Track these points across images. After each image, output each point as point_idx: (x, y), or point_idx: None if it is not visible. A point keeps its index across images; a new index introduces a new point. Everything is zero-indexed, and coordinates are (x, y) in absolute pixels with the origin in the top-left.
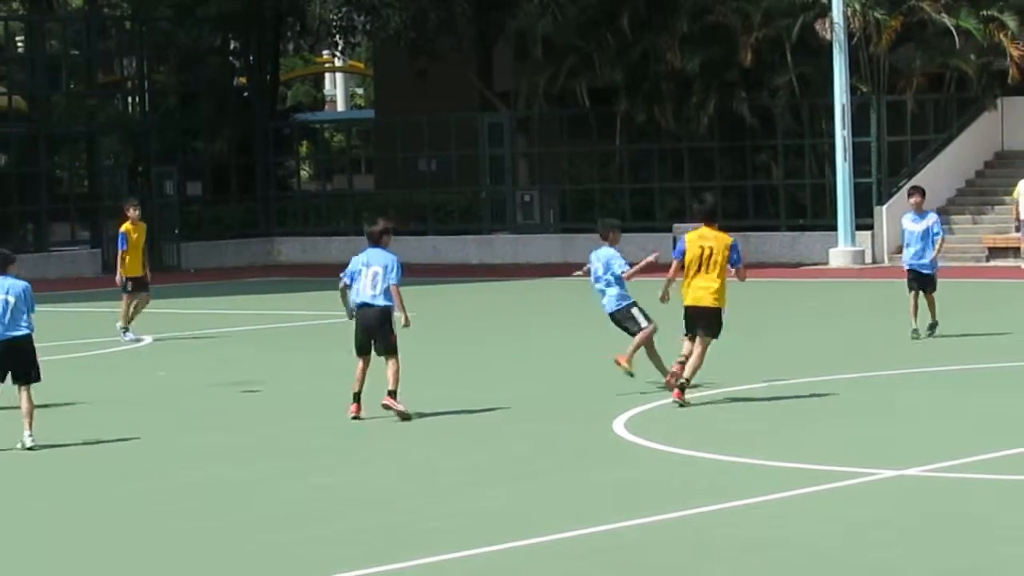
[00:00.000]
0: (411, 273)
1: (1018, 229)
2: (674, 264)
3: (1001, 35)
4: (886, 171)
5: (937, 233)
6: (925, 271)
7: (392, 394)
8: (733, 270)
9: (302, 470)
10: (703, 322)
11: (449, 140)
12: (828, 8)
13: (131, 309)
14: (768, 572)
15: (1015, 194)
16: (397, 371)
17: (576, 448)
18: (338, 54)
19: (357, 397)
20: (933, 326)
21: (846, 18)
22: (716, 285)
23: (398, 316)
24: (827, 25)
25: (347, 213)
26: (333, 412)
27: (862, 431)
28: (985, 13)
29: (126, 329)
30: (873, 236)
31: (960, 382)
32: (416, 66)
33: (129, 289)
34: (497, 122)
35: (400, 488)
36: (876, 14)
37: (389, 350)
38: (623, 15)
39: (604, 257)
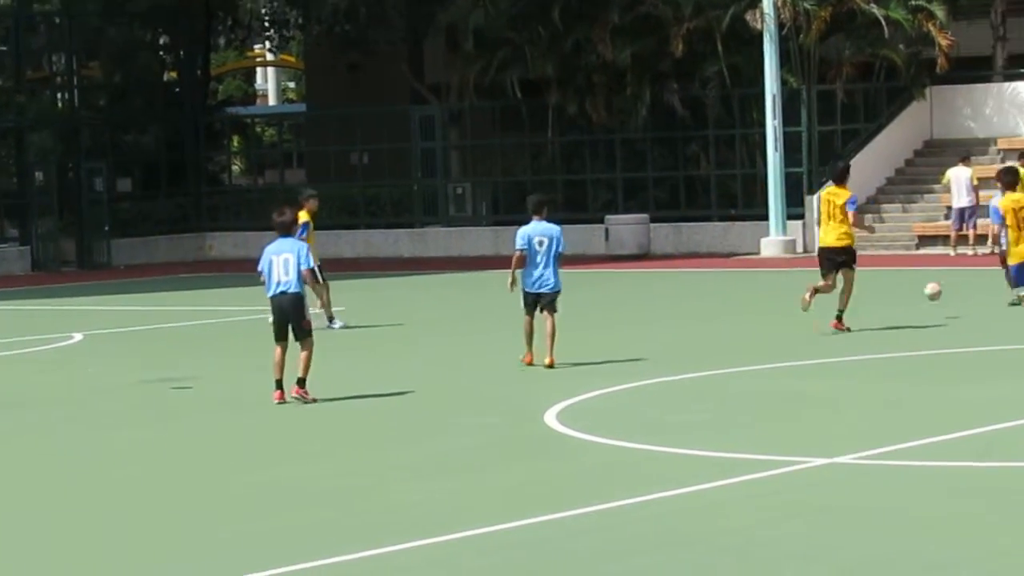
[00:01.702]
0: (343, 267)
1: (948, 217)
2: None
3: (930, 24)
4: (817, 160)
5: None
6: None
7: (301, 382)
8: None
9: (233, 466)
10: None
11: (381, 133)
12: None
13: None
14: (701, 560)
15: (944, 181)
16: (309, 357)
17: (508, 440)
18: (269, 48)
19: (279, 384)
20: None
21: (776, 8)
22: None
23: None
24: (757, 15)
25: (278, 207)
26: (264, 407)
27: (794, 419)
28: (914, 3)
29: None
30: (804, 225)
31: (892, 370)
32: (347, 60)
33: None
34: (429, 115)
35: (332, 483)
36: (806, 4)
37: (304, 335)
38: (554, 7)
39: (553, 233)
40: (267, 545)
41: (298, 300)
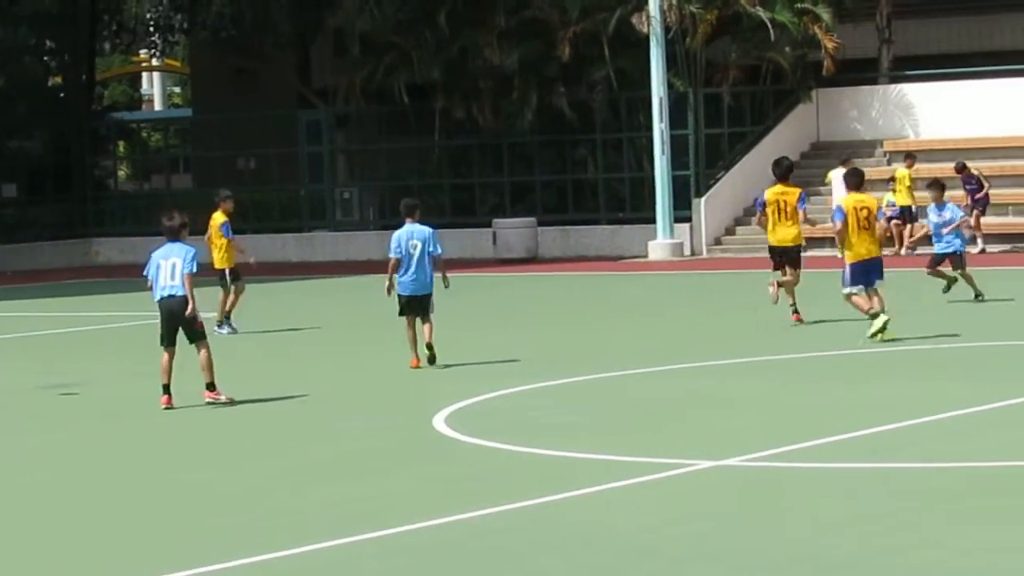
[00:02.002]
0: None
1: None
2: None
3: (816, 27)
4: (704, 163)
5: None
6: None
7: (210, 386)
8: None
9: (122, 472)
10: None
11: (268, 138)
12: (645, 2)
13: None
14: (590, 564)
15: (827, 182)
16: (209, 358)
17: (398, 445)
18: (154, 53)
19: (167, 389)
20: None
21: (662, 12)
22: None
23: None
24: (644, 19)
25: (168, 211)
26: (153, 413)
27: (682, 422)
28: (800, 6)
29: None
30: (692, 228)
31: (781, 372)
32: (233, 64)
33: None
34: (315, 119)
35: (224, 488)
36: (692, 8)
37: (197, 336)
38: (441, 12)
39: (426, 235)
40: (164, 550)
41: (186, 303)
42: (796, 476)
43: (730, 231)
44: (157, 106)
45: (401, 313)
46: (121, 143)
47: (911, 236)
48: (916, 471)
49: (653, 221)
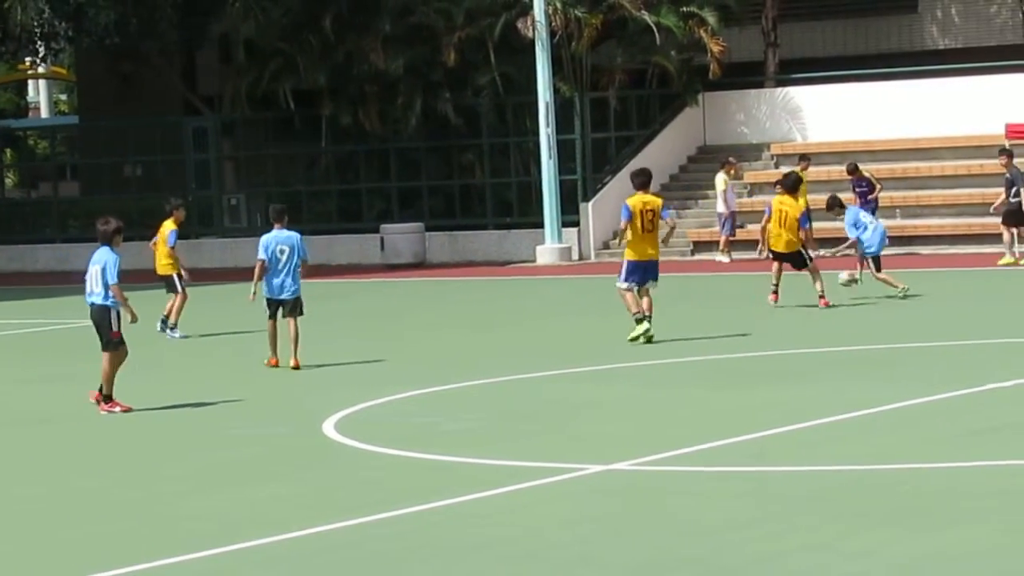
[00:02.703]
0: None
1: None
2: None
3: (701, 31)
4: (591, 167)
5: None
6: None
7: (107, 398)
8: None
9: (13, 478)
10: None
11: (154, 145)
12: (529, 7)
13: None
14: (478, 570)
15: (720, 187)
16: (110, 369)
17: (287, 451)
18: (39, 60)
19: (110, 397)
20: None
21: (548, 16)
22: None
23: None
24: (529, 24)
25: (53, 220)
26: (46, 420)
27: (571, 427)
28: (685, 10)
29: None
30: (579, 233)
31: (670, 376)
32: (119, 72)
33: None
34: (201, 126)
35: (104, 496)
36: (577, 12)
37: (110, 346)
38: (326, 17)
39: (294, 241)
40: (45, 559)
41: (104, 312)
42: (682, 480)
43: (618, 235)
44: (43, 113)
45: (271, 316)
46: (8, 151)
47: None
48: (799, 474)
49: (541, 226)
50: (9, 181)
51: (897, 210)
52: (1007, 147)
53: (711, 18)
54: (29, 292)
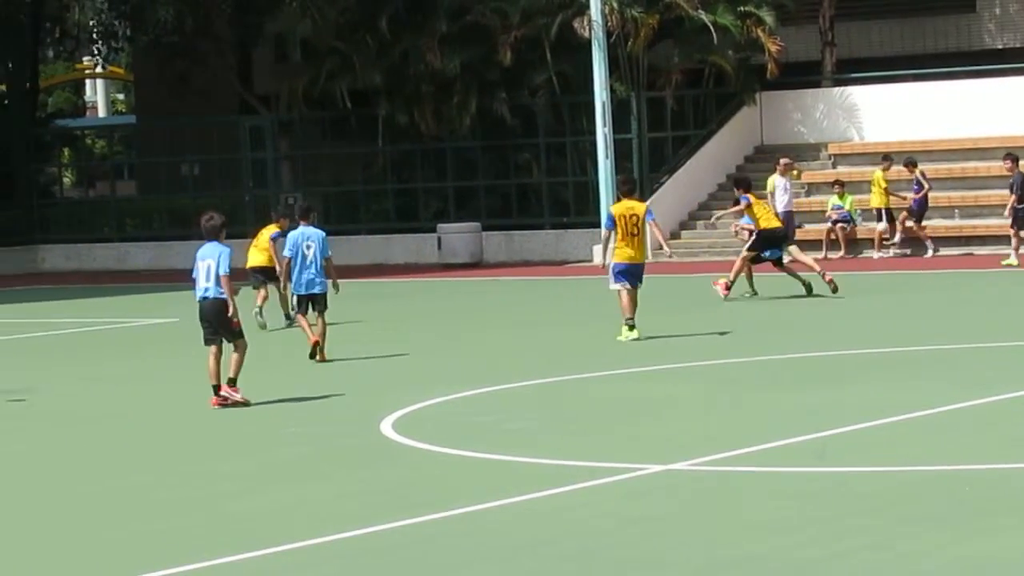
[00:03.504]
0: (176, 278)
1: None
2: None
3: (758, 30)
4: (647, 167)
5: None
6: None
7: (231, 382)
8: None
9: (69, 478)
10: None
11: (211, 144)
12: (586, 6)
13: None
14: (537, 569)
15: (769, 188)
16: (241, 359)
17: (346, 450)
18: (98, 60)
19: (216, 390)
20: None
21: (604, 16)
22: None
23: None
24: (585, 23)
25: (110, 219)
26: (101, 418)
27: (630, 426)
28: (742, 9)
29: None
30: None
31: (729, 375)
32: (176, 70)
33: None
34: (258, 125)
35: (166, 495)
36: (633, 12)
37: (234, 336)
38: (382, 16)
39: (319, 237)
40: (97, 557)
41: (221, 305)
42: (741, 480)
43: (674, 235)
44: (101, 113)
45: (303, 311)
46: (65, 150)
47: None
48: (860, 475)
49: (597, 225)
50: (67, 180)
51: (955, 210)
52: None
53: (768, 17)
54: (86, 291)
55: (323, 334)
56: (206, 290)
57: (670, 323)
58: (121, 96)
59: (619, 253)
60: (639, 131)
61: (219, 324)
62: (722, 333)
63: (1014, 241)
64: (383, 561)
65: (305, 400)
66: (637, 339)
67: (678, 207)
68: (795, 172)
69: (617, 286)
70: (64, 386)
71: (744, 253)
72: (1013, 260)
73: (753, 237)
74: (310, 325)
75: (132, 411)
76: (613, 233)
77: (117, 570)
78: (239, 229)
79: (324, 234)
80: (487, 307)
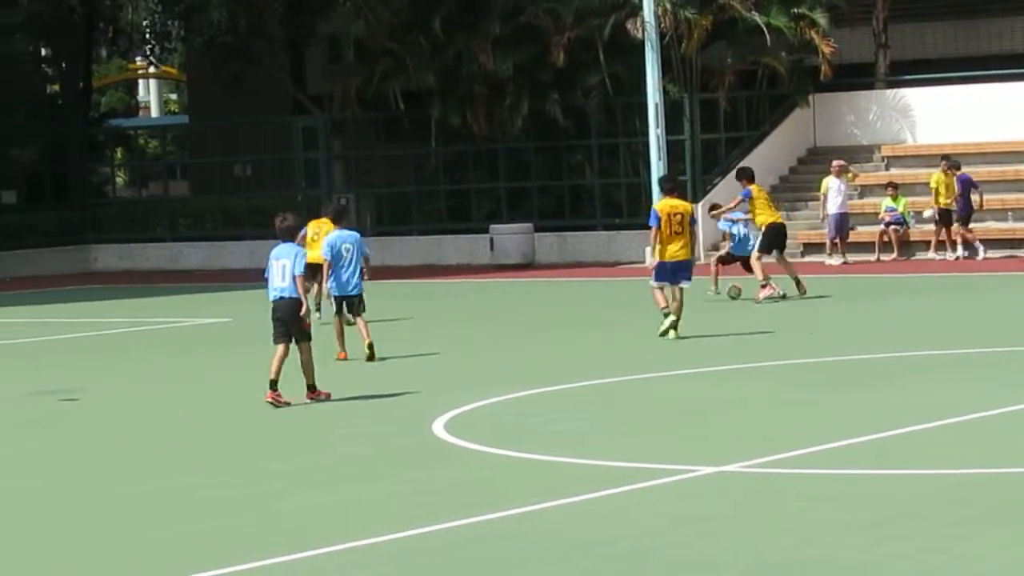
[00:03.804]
0: (228, 278)
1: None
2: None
3: (812, 32)
4: (700, 169)
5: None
6: None
7: (311, 388)
8: None
9: (120, 477)
10: None
11: (263, 144)
12: (639, 7)
13: None
14: (589, 569)
15: (822, 190)
16: (310, 360)
17: (398, 450)
18: (151, 60)
19: (274, 384)
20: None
21: (657, 17)
22: None
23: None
24: (638, 24)
25: (163, 219)
26: (153, 418)
27: (682, 428)
28: (796, 11)
29: None
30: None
31: (782, 377)
32: (229, 71)
33: None
34: (311, 125)
35: (218, 494)
36: (687, 13)
37: (303, 337)
38: (435, 17)
39: (356, 239)
40: (151, 556)
41: (296, 304)
42: (797, 482)
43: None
44: (154, 113)
45: (337, 312)
46: (118, 150)
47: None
48: (917, 477)
49: (650, 227)
50: (120, 180)
51: (1009, 212)
52: None
53: (821, 19)
54: (138, 291)
55: (367, 331)
56: (282, 290)
57: (724, 324)
58: (174, 96)
59: (663, 251)
60: (692, 132)
61: (292, 323)
62: (773, 334)
63: None
64: (438, 561)
65: (356, 400)
66: (675, 326)
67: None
68: (851, 175)
69: (655, 284)
70: (116, 386)
71: (755, 253)
72: None
73: (761, 235)
74: (344, 329)
75: (183, 411)
76: (658, 231)
77: (169, 569)
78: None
79: (360, 236)
80: (539, 308)
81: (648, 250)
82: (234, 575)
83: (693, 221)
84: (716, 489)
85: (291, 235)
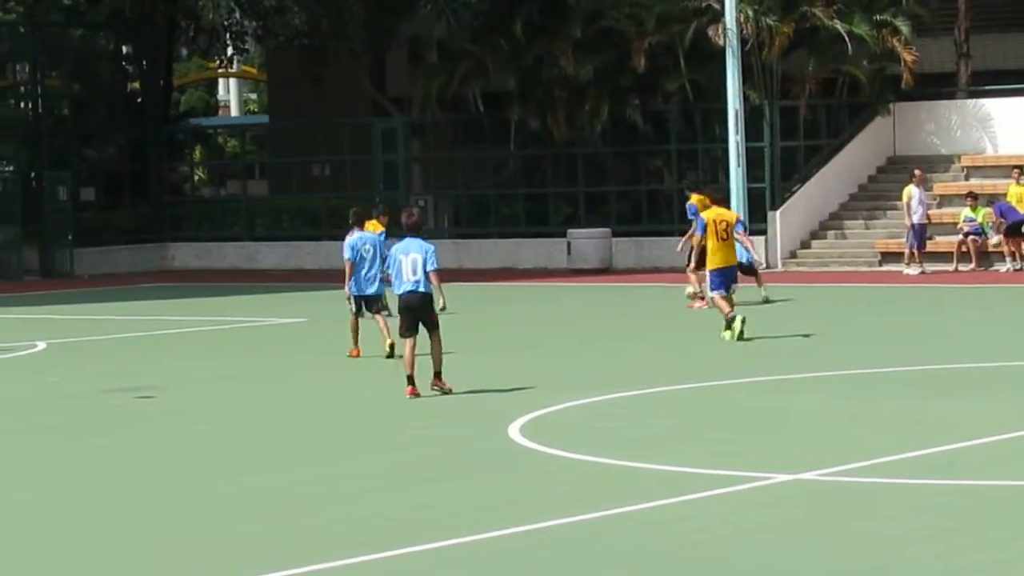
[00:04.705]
0: (306, 278)
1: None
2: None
3: (894, 40)
4: (779, 176)
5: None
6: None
7: (438, 375)
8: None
9: (195, 476)
10: None
11: (343, 145)
12: (721, 14)
13: None
14: (669, 574)
15: (904, 199)
16: (440, 351)
17: (472, 453)
18: (230, 59)
19: (411, 380)
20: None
21: (739, 24)
22: None
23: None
24: (720, 31)
25: (241, 218)
26: (229, 417)
27: (756, 435)
28: (878, 19)
29: None
30: (766, 241)
31: (855, 386)
32: (309, 71)
33: None
34: (390, 127)
35: (295, 494)
36: (768, 20)
37: (435, 327)
38: (516, 21)
39: (377, 240)
40: (226, 555)
41: (428, 298)
42: (869, 491)
43: (805, 244)
44: (233, 112)
45: (355, 312)
46: (197, 149)
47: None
48: (988, 488)
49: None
50: (198, 179)
51: None
52: None
53: (904, 27)
54: (215, 289)
55: (388, 328)
56: (415, 283)
57: (801, 332)
58: (253, 96)
59: (713, 258)
60: (771, 139)
61: (423, 316)
62: (851, 343)
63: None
64: (508, 564)
65: (432, 402)
66: (742, 333)
67: (809, 217)
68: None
69: (715, 293)
70: (191, 384)
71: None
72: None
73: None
74: (359, 328)
75: (259, 410)
76: (703, 238)
77: (244, 569)
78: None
79: (381, 238)
80: (615, 313)
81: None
82: (316, 573)
83: (739, 227)
84: (792, 497)
85: (417, 229)
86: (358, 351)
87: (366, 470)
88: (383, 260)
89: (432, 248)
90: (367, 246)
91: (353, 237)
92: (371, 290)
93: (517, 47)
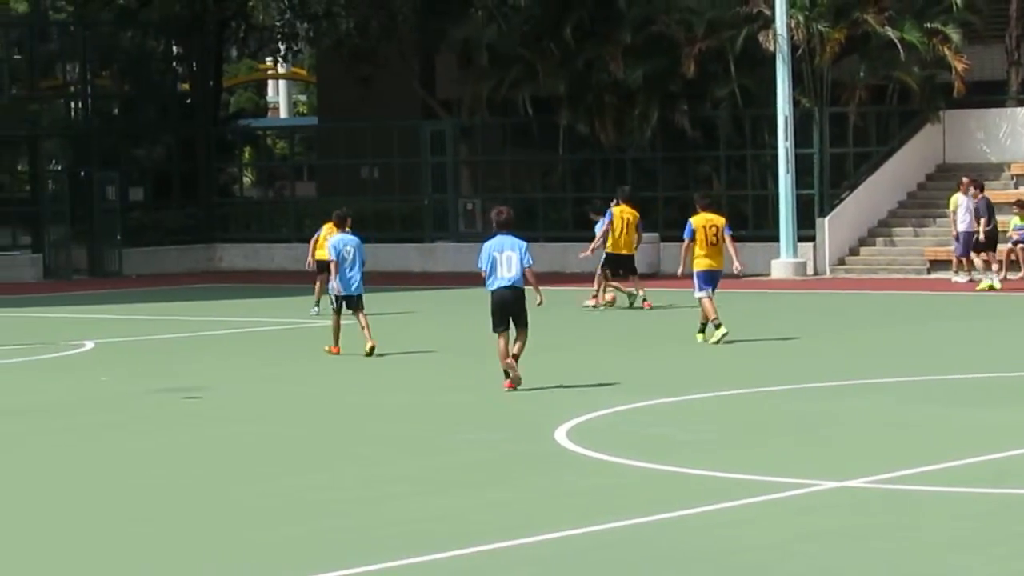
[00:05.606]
0: None
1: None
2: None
3: (945, 48)
4: (828, 183)
5: None
6: None
7: (515, 357)
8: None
9: (241, 476)
10: None
11: (391, 147)
12: (772, 20)
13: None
14: None
15: (951, 207)
16: (524, 343)
17: (519, 457)
18: (280, 60)
19: (508, 374)
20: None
21: (790, 30)
22: None
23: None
24: (771, 37)
25: (289, 220)
26: (276, 418)
27: (803, 442)
28: (929, 26)
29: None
30: (815, 247)
31: (903, 393)
32: (358, 73)
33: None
34: (440, 130)
35: (342, 495)
36: (820, 26)
37: (524, 325)
38: (567, 25)
39: (356, 242)
40: (271, 556)
41: (522, 294)
42: (917, 499)
43: (854, 251)
44: (282, 114)
45: (336, 310)
46: (246, 150)
47: None
48: None
49: (776, 239)
50: (247, 180)
51: None
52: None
53: (955, 35)
54: (263, 291)
55: (367, 325)
56: (511, 279)
57: (847, 339)
58: (303, 97)
59: (699, 262)
60: (821, 146)
61: (516, 311)
62: (898, 350)
63: (978, 263)
64: (555, 568)
65: (477, 406)
66: (726, 335)
67: (857, 223)
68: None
69: (701, 294)
70: (239, 385)
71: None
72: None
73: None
74: (342, 325)
75: (306, 411)
76: (692, 243)
77: (291, 569)
78: (416, 233)
79: (360, 240)
80: (662, 318)
81: (775, 263)
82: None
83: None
84: (838, 504)
85: (508, 226)
86: (338, 348)
87: (413, 473)
88: (363, 263)
89: (526, 244)
90: (348, 247)
91: (335, 238)
92: (355, 289)
93: (567, 52)
